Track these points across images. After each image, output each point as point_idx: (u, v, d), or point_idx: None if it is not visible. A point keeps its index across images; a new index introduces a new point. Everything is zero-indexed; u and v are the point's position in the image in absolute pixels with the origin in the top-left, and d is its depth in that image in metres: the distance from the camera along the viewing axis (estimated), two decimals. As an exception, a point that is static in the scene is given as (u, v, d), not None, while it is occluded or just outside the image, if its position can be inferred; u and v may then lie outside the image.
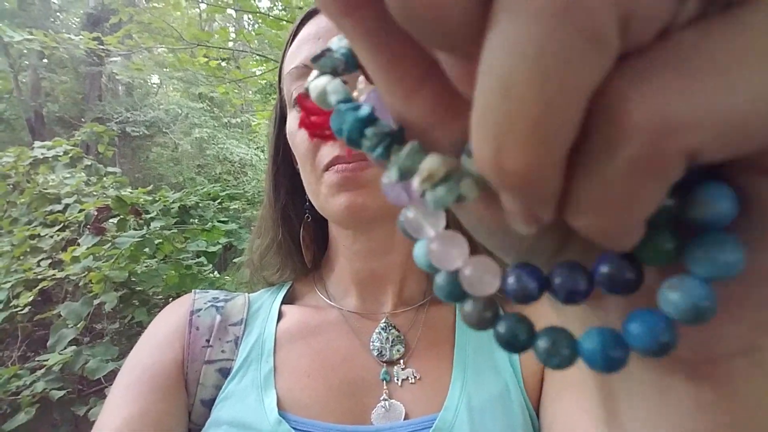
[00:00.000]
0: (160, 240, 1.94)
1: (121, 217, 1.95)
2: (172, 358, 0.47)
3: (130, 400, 0.44)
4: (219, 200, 2.60)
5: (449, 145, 0.13)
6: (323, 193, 0.46)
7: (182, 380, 0.47)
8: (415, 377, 0.46)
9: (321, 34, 0.46)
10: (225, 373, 0.48)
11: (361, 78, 0.14)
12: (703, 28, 0.09)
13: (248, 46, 3.06)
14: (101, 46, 2.74)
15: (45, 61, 6.67)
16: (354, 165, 0.44)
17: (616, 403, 0.16)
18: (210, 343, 0.49)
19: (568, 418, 0.40)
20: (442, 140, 0.13)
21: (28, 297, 1.81)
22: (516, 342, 0.13)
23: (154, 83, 8.00)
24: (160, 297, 2.06)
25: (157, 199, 2.22)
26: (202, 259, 2.07)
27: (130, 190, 2.32)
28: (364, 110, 0.13)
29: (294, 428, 0.42)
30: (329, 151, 0.45)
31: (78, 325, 1.67)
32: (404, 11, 0.09)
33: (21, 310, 1.80)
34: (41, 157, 2.28)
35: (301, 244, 0.56)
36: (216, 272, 2.26)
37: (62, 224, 2.05)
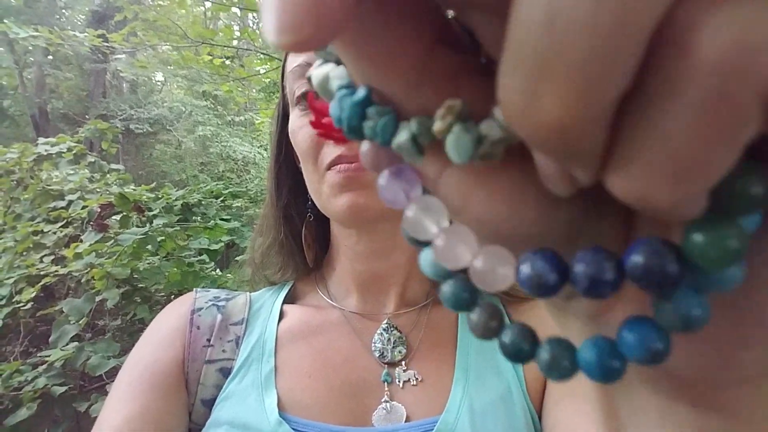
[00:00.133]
0: (163, 237, 1.94)
1: (124, 214, 1.96)
2: (173, 357, 0.47)
3: (131, 398, 0.44)
4: (222, 198, 2.60)
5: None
6: (325, 192, 0.46)
7: (183, 380, 0.47)
8: (416, 379, 0.46)
9: None
10: (226, 372, 0.48)
11: None
12: None
13: (252, 44, 3.06)
14: (106, 44, 2.74)
15: (50, 57, 6.68)
16: (356, 165, 0.43)
17: (618, 422, 0.16)
18: (211, 342, 0.49)
19: (570, 422, 0.40)
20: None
21: (30, 293, 1.81)
22: (520, 353, 0.13)
23: (158, 81, 8.01)
24: (162, 294, 2.07)
25: (160, 196, 2.22)
26: (204, 256, 2.07)
27: (134, 187, 2.32)
28: (360, 92, 0.12)
29: (294, 429, 0.42)
30: (331, 150, 0.45)
31: (80, 322, 1.67)
32: None
33: (23, 305, 1.81)
34: (45, 153, 2.29)
35: (302, 244, 0.55)
36: (218, 270, 2.26)
37: (65, 221, 2.06)
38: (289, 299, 0.55)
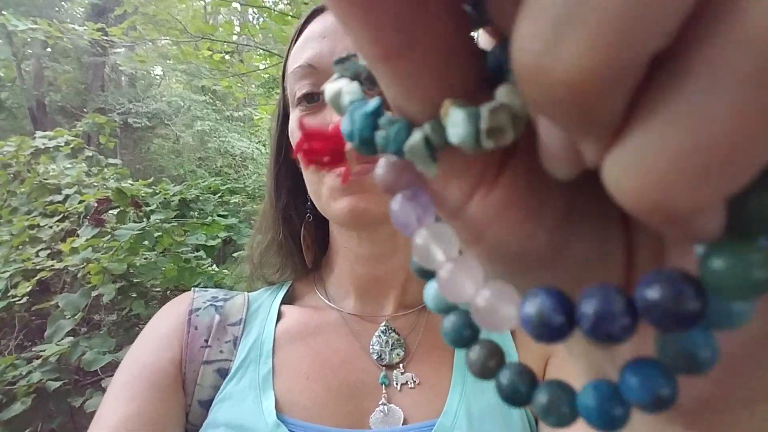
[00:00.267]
0: (160, 233, 1.93)
1: (121, 209, 1.95)
2: (170, 357, 0.47)
3: (128, 398, 0.44)
4: (219, 194, 2.60)
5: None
6: (325, 195, 0.46)
7: (180, 380, 0.47)
8: (414, 382, 0.46)
9: (326, 33, 0.45)
10: (223, 373, 0.47)
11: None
12: None
13: (252, 40, 3.05)
14: (105, 38, 2.73)
15: (48, 50, 6.65)
16: (357, 168, 0.43)
17: None
18: (208, 343, 0.49)
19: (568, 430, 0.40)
20: None
21: (26, 287, 1.80)
22: (516, 395, 0.12)
23: (156, 75, 7.98)
24: (158, 290, 2.06)
25: (157, 191, 2.21)
26: (201, 253, 2.06)
27: (131, 182, 2.31)
28: (373, 103, 0.12)
29: (292, 431, 0.42)
30: None
31: (75, 317, 1.67)
32: None
33: (19, 300, 1.80)
34: (42, 147, 2.28)
35: (301, 244, 0.55)
36: (214, 266, 2.25)
37: (62, 215, 2.05)
38: (288, 300, 0.55)
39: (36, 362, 1.58)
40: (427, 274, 0.15)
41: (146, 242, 1.87)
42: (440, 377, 0.46)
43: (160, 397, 0.45)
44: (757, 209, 0.08)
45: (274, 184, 0.55)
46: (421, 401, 0.45)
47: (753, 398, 0.12)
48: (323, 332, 0.50)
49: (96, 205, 1.96)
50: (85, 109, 6.34)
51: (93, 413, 1.28)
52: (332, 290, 0.54)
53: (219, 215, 2.33)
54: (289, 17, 2.39)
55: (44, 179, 2.18)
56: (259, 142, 5.78)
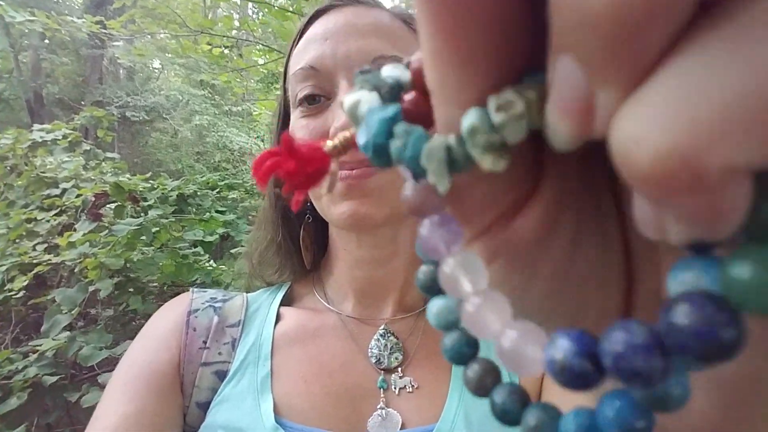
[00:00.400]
0: (157, 228, 1.93)
1: (119, 203, 1.94)
2: (169, 359, 0.47)
3: (126, 399, 0.44)
4: (218, 190, 2.59)
5: None
6: (325, 198, 0.46)
7: (178, 382, 0.47)
8: (412, 386, 0.46)
9: (329, 35, 0.45)
10: (221, 375, 0.47)
11: None
12: None
13: (252, 35, 3.03)
14: (104, 30, 2.71)
15: (46, 41, 6.61)
16: (358, 172, 0.43)
17: None
18: (207, 344, 0.49)
19: None
20: None
21: (22, 281, 1.80)
22: (507, 415, 0.12)
23: (155, 68, 7.94)
24: (155, 285, 2.06)
25: (155, 186, 2.21)
26: (199, 248, 2.06)
27: (129, 177, 2.31)
28: (392, 108, 0.12)
29: None
30: None
31: (72, 312, 1.66)
32: None
33: (15, 294, 1.79)
34: (40, 140, 2.27)
35: (300, 246, 0.55)
36: (212, 261, 2.25)
37: (59, 209, 2.04)
38: (286, 301, 0.55)
39: (32, 357, 1.58)
40: (431, 290, 0.15)
41: (144, 237, 1.87)
42: (439, 382, 0.46)
43: (158, 398, 0.45)
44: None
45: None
46: (419, 406, 0.45)
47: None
48: (322, 335, 0.50)
49: (93, 199, 1.96)
50: (83, 102, 6.31)
51: (89, 408, 1.28)
52: (331, 292, 0.54)
53: (217, 211, 2.32)
54: (289, 12, 2.38)
55: (41, 172, 2.17)
56: (258, 137, 5.77)
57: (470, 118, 0.10)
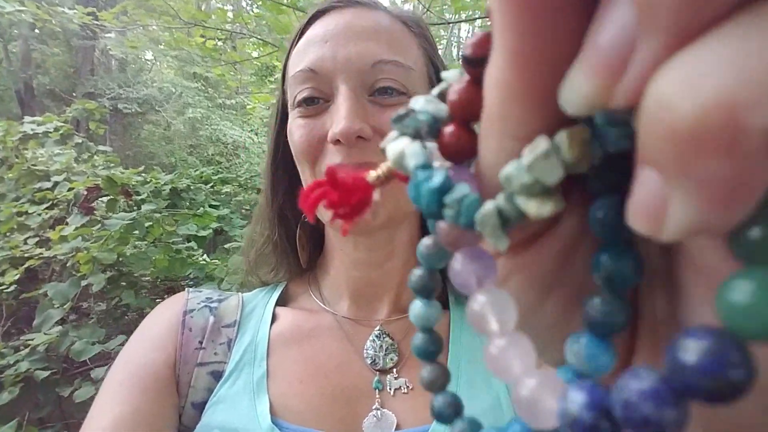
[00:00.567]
0: (150, 223, 1.92)
1: (111, 197, 1.93)
2: (164, 359, 0.47)
3: (121, 399, 0.44)
4: (211, 184, 2.58)
5: None
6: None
7: (173, 382, 0.47)
8: (407, 387, 0.46)
9: (329, 37, 0.45)
10: (217, 376, 0.47)
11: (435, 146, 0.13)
12: None
13: (246, 28, 3.01)
14: (96, 22, 2.68)
15: (36, 31, 6.51)
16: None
17: None
18: (203, 345, 0.49)
19: None
20: None
21: (14, 275, 1.78)
22: (440, 418, 0.13)
23: (147, 59, 7.85)
24: (148, 279, 2.05)
25: (148, 180, 2.19)
26: (193, 243, 2.05)
27: (122, 170, 2.29)
28: (437, 179, 0.12)
29: None
30: (330, 157, 0.44)
31: (64, 306, 1.65)
32: None
33: (6, 288, 1.78)
34: (31, 132, 2.24)
35: (297, 245, 0.55)
36: (205, 255, 2.24)
37: (51, 202, 2.02)
38: (282, 301, 0.55)
39: (24, 351, 1.57)
40: (422, 293, 0.15)
41: (137, 232, 1.86)
42: None
43: (154, 398, 0.45)
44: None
45: (271, 184, 0.55)
46: (414, 406, 0.45)
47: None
48: (317, 336, 0.50)
49: (85, 193, 1.94)
50: (74, 94, 6.24)
51: (81, 403, 1.27)
52: (327, 292, 0.54)
53: (211, 206, 2.31)
54: (284, 6, 2.36)
55: (32, 165, 2.14)
56: (252, 130, 5.74)
57: (506, 168, 0.11)
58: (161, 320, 0.51)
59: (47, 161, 2.23)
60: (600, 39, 0.09)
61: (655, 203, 0.08)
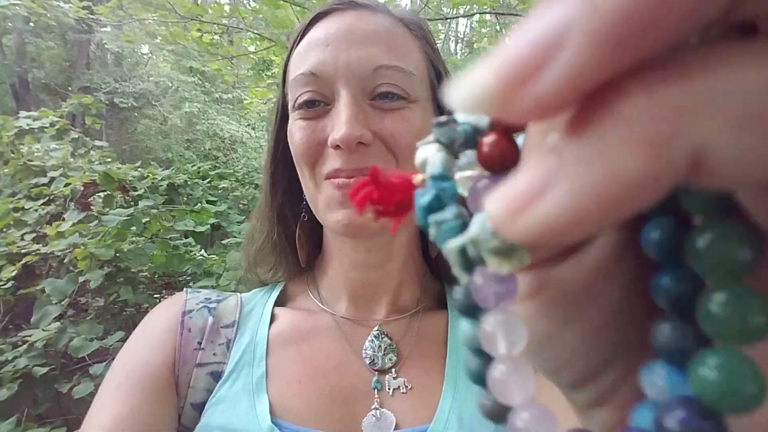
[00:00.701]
0: (148, 219, 1.91)
1: (108, 193, 1.92)
2: (163, 360, 0.47)
3: (121, 399, 0.44)
4: (208, 179, 2.57)
5: None
6: (322, 204, 0.46)
7: (173, 382, 0.47)
8: (406, 387, 0.47)
9: (330, 41, 0.45)
10: (216, 376, 0.48)
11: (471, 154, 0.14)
12: None
13: (243, 22, 2.99)
14: (91, 16, 2.66)
15: (31, 24, 6.46)
16: (355, 181, 0.43)
17: None
18: (202, 345, 0.49)
19: None
20: None
21: (11, 271, 1.78)
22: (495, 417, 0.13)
23: (144, 53, 7.80)
24: (146, 275, 2.05)
25: (145, 175, 2.18)
26: (190, 239, 2.05)
27: (118, 166, 2.28)
28: (426, 198, 0.12)
29: None
30: (330, 161, 0.44)
31: (62, 303, 1.65)
32: None
33: (4, 284, 1.77)
34: (27, 127, 2.23)
35: (296, 244, 0.55)
36: (203, 250, 2.24)
37: (47, 198, 2.02)
38: (280, 301, 0.55)
39: (22, 347, 1.57)
40: (467, 311, 0.15)
41: (134, 228, 1.86)
42: (432, 382, 0.47)
43: (153, 398, 0.45)
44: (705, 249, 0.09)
45: (270, 183, 0.55)
46: (413, 406, 0.46)
47: None
48: (316, 336, 0.50)
49: (82, 188, 1.93)
50: (69, 88, 6.20)
51: (80, 399, 1.27)
52: (325, 293, 0.54)
53: (208, 201, 2.31)
54: (281, 0, 2.34)
55: (29, 161, 2.13)
56: (249, 125, 5.72)
57: (474, 228, 0.11)
58: (160, 321, 0.51)
59: (43, 156, 2.22)
60: (520, 42, 0.09)
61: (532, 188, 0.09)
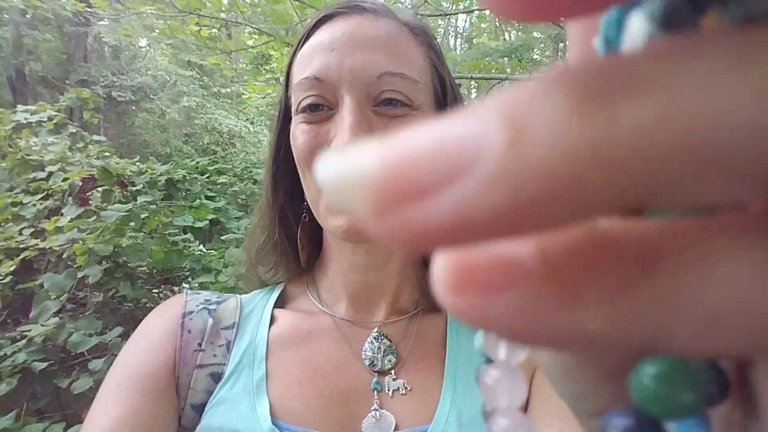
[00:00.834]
0: (147, 214, 1.91)
1: (107, 188, 1.92)
2: (164, 361, 0.47)
3: (121, 400, 0.44)
4: (207, 175, 2.56)
5: None
6: (322, 208, 0.46)
7: (173, 384, 0.47)
8: (406, 388, 0.47)
9: (335, 46, 0.45)
10: (216, 377, 0.48)
11: None
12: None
13: (241, 16, 2.98)
14: (89, 9, 2.64)
15: (27, 17, 6.41)
16: None
17: None
18: (202, 347, 0.49)
19: None
20: None
21: (9, 266, 1.78)
22: None
23: (141, 46, 7.76)
24: (145, 270, 2.05)
25: (143, 170, 2.18)
26: (189, 235, 2.05)
27: (117, 160, 2.27)
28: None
29: None
30: None
31: (61, 298, 1.66)
32: None
33: (2, 279, 1.77)
34: (24, 122, 2.22)
35: (297, 244, 0.55)
36: (201, 245, 2.23)
37: (45, 192, 2.01)
38: (280, 302, 0.55)
39: (21, 342, 1.57)
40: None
41: (132, 223, 1.85)
42: (431, 384, 0.47)
43: (154, 399, 0.45)
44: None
45: (272, 184, 0.55)
46: (412, 407, 0.46)
47: None
48: (315, 338, 0.50)
49: (80, 183, 1.93)
50: (67, 81, 6.17)
51: (79, 394, 1.27)
52: (324, 294, 0.55)
53: (207, 197, 2.30)
54: (280, -5, 2.33)
55: (26, 155, 2.13)
56: (247, 119, 5.70)
57: None
58: (160, 322, 0.51)
59: (41, 151, 2.21)
60: (425, 142, 0.07)
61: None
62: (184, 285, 2.14)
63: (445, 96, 0.50)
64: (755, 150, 0.06)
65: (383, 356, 0.49)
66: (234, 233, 2.14)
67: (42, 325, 1.57)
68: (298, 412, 0.45)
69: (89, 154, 2.30)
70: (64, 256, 1.83)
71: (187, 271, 2.14)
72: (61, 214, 1.86)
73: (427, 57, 0.49)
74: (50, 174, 2.06)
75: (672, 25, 0.09)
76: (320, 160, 0.08)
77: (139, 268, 2.01)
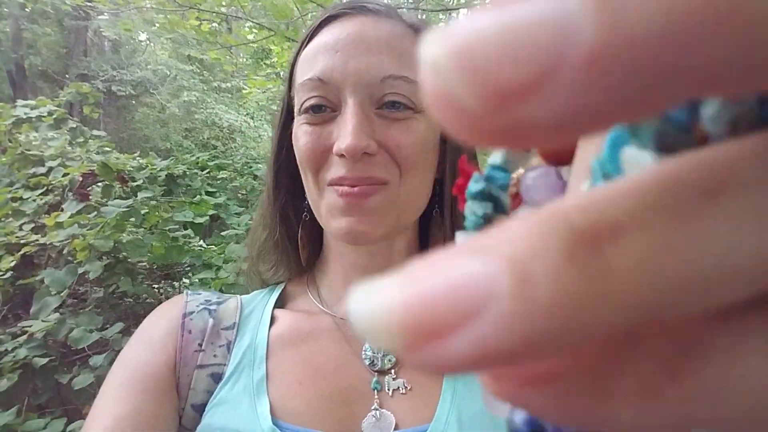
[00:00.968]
0: (147, 210, 1.91)
1: (107, 183, 1.92)
2: (164, 361, 0.47)
3: (122, 400, 0.44)
4: (207, 170, 2.56)
5: None
6: (324, 210, 0.46)
7: (174, 384, 0.47)
8: (406, 387, 0.47)
9: (339, 47, 0.45)
10: (217, 378, 0.48)
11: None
12: None
13: (242, 11, 2.97)
14: (89, 3, 2.63)
15: (27, 10, 6.39)
16: (358, 190, 0.43)
17: None
18: (202, 347, 0.49)
19: None
20: None
21: (9, 261, 1.78)
22: None
23: (141, 40, 7.73)
24: (145, 266, 2.05)
25: (143, 166, 2.17)
26: (189, 231, 2.05)
27: (117, 155, 2.27)
28: (475, 186, 0.13)
29: None
30: (335, 169, 0.44)
31: (62, 294, 1.66)
32: None
33: (2, 274, 1.78)
34: (24, 117, 2.22)
35: (298, 244, 0.55)
36: (202, 241, 2.23)
37: (45, 188, 2.01)
38: (280, 302, 0.55)
39: (22, 338, 1.57)
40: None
41: (133, 219, 1.85)
42: (431, 383, 0.47)
43: (155, 399, 0.45)
44: None
45: (273, 183, 0.55)
46: (412, 407, 0.46)
47: None
48: (316, 337, 0.50)
49: (81, 179, 1.93)
50: (67, 75, 6.15)
51: (80, 390, 1.28)
52: (325, 294, 0.55)
53: (207, 192, 2.30)
54: (281, -11, 2.32)
55: (26, 150, 2.12)
56: (247, 114, 5.69)
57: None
58: (161, 322, 0.51)
59: (41, 146, 2.21)
60: (440, 280, 0.08)
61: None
62: (185, 281, 2.14)
63: None
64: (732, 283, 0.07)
65: (383, 356, 0.49)
66: (234, 229, 2.14)
67: (43, 321, 1.58)
68: (298, 411, 0.45)
69: (89, 149, 2.29)
70: (65, 251, 1.83)
71: (187, 267, 2.14)
72: (62, 210, 1.86)
73: None
74: (50, 169, 2.06)
75: (669, 148, 0.09)
76: (351, 298, 0.08)
77: (140, 264, 2.01)
